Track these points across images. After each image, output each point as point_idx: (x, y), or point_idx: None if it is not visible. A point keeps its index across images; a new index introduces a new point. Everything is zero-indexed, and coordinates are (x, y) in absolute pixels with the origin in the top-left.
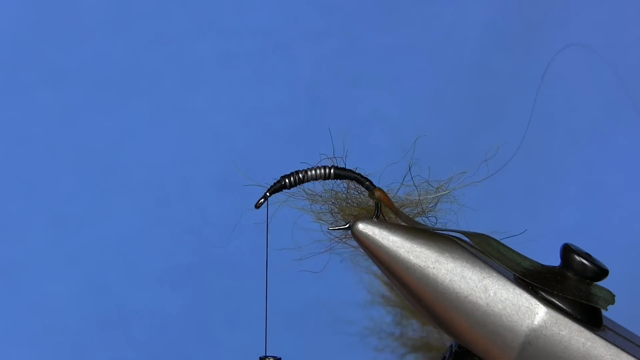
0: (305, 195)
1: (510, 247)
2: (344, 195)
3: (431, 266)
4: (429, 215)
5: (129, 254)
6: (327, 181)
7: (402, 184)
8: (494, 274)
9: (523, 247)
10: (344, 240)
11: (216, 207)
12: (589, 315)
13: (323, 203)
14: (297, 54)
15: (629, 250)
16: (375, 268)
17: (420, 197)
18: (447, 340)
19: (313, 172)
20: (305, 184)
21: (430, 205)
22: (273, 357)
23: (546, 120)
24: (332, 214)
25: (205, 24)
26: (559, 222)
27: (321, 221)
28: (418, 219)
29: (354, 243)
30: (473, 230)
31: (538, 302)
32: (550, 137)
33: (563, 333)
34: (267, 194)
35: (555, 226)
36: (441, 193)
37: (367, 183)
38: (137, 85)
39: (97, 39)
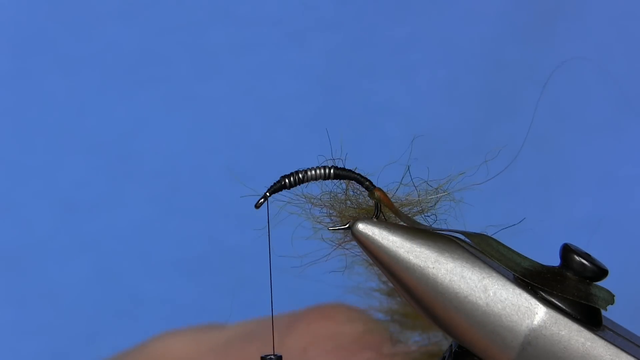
0: (305, 200)
1: (511, 246)
2: (342, 197)
3: (431, 266)
4: (429, 214)
5: (141, 242)
6: (326, 183)
7: (400, 183)
8: (494, 274)
9: (532, 240)
10: (343, 244)
11: (229, 196)
12: (589, 315)
13: (322, 207)
14: (311, 44)
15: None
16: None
17: (423, 197)
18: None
19: (313, 172)
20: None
21: (430, 205)
22: (275, 355)
23: (559, 113)
24: (330, 218)
25: (219, 13)
26: (572, 215)
27: (321, 225)
28: (419, 218)
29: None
30: (474, 231)
31: (538, 302)
32: (563, 130)
33: (563, 333)
34: (267, 193)
35: (569, 219)
36: (441, 194)
37: (367, 183)
38: (150, 73)
39: (111, 26)
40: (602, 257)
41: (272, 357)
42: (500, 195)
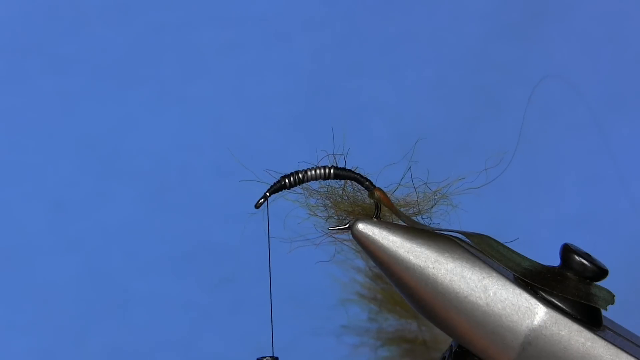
0: (301, 189)
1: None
2: (340, 191)
3: (431, 266)
4: (425, 216)
5: (130, 241)
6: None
7: (399, 184)
8: (494, 274)
9: (524, 241)
10: (332, 234)
11: (217, 194)
12: (589, 315)
13: (319, 197)
14: (298, 43)
15: (629, 242)
16: (357, 264)
17: (419, 199)
18: (439, 334)
19: (313, 172)
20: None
21: (427, 207)
22: (270, 357)
23: (546, 111)
24: (326, 208)
25: (206, 12)
26: (560, 214)
27: (315, 215)
28: (415, 219)
29: (342, 237)
30: (473, 230)
31: (538, 302)
32: (550, 129)
33: (563, 333)
34: (267, 193)
35: (557, 218)
36: (439, 197)
37: (367, 183)
38: (138, 73)
39: (99, 27)
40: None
41: (268, 358)
42: (488, 195)
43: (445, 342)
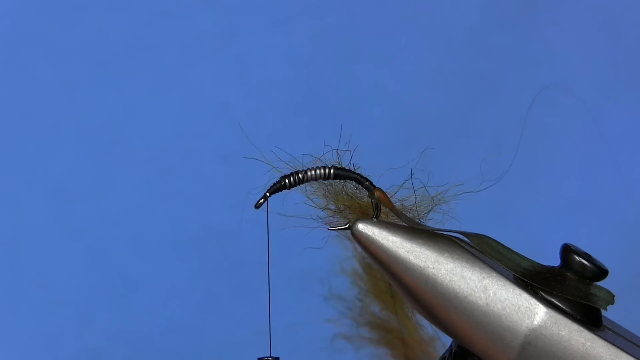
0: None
1: (509, 246)
2: (339, 187)
3: (431, 266)
4: (423, 219)
5: (132, 227)
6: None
7: (400, 186)
8: (494, 274)
9: (522, 235)
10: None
11: (218, 180)
12: (589, 315)
13: (318, 187)
14: (298, 29)
15: (628, 232)
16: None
17: (417, 203)
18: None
19: (313, 172)
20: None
21: (425, 211)
22: (272, 357)
23: (544, 99)
24: (324, 198)
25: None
26: (560, 198)
27: (315, 205)
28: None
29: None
30: (472, 231)
31: (538, 302)
32: (549, 116)
33: (563, 333)
34: (267, 194)
35: (556, 202)
36: (437, 202)
37: (367, 183)
38: (139, 60)
39: (99, 14)
40: (589, 240)
41: (270, 358)
42: (486, 192)
43: (427, 343)
